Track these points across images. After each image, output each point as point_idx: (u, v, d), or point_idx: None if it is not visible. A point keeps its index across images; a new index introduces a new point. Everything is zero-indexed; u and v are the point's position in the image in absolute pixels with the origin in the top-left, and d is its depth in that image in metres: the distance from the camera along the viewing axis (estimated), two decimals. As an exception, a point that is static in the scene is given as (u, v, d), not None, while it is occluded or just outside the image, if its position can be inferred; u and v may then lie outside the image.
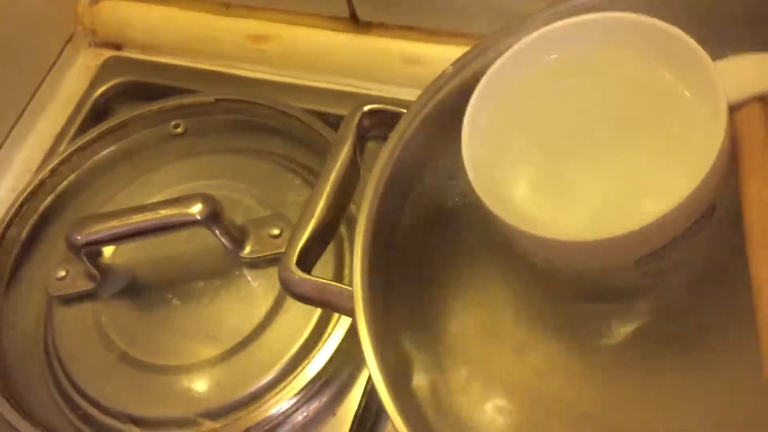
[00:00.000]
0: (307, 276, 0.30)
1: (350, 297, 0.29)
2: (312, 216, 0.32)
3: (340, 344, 0.42)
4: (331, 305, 0.30)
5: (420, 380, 0.30)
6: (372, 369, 0.27)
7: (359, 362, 0.44)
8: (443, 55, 0.53)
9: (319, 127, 0.50)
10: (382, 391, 0.27)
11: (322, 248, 0.32)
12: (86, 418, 0.43)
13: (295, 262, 0.31)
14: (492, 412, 0.32)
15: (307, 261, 0.31)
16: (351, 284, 0.30)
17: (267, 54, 0.57)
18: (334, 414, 0.43)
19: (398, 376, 0.28)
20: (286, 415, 0.42)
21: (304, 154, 0.51)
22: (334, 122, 0.50)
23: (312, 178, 0.49)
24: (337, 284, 0.30)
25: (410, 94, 0.49)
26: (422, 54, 0.54)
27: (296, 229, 0.32)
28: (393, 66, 0.54)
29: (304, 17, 0.56)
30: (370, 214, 0.30)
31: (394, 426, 0.27)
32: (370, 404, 0.43)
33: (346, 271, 0.45)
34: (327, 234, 0.32)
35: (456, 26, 0.52)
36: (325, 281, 0.30)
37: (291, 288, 0.31)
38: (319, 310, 0.44)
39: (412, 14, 0.53)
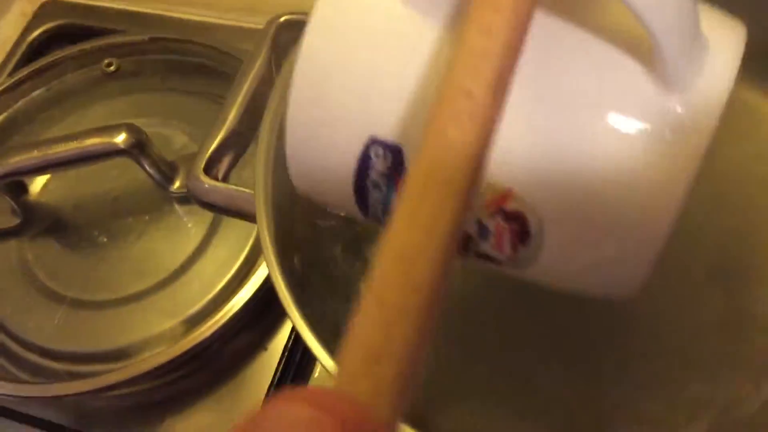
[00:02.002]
0: (213, 182, 0.30)
1: (252, 200, 0.28)
2: (222, 125, 0.31)
3: (266, 279, 0.42)
4: (238, 212, 0.30)
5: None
6: (275, 277, 0.27)
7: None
8: None
9: (255, 64, 0.49)
10: (282, 295, 0.26)
11: (235, 159, 0.32)
12: (7, 354, 0.42)
13: (202, 169, 0.30)
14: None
15: (218, 170, 0.31)
16: (259, 190, 0.29)
17: (209, -5, 0.56)
18: (265, 348, 0.42)
19: (303, 287, 0.27)
20: (217, 348, 0.41)
21: (240, 93, 0.50)
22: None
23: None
24: (242, 189, 0.29)
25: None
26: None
27: (206, 138, 0.31)
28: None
29: (245, -44, 0.54)
30: (274, 115, 0.29)
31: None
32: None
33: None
34: (239, 144, 0.31)
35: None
36: (231, 186, 0.29)
37: (199, 196, 0.30)
38: (249, 244, 0.43)
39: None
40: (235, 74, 0.49)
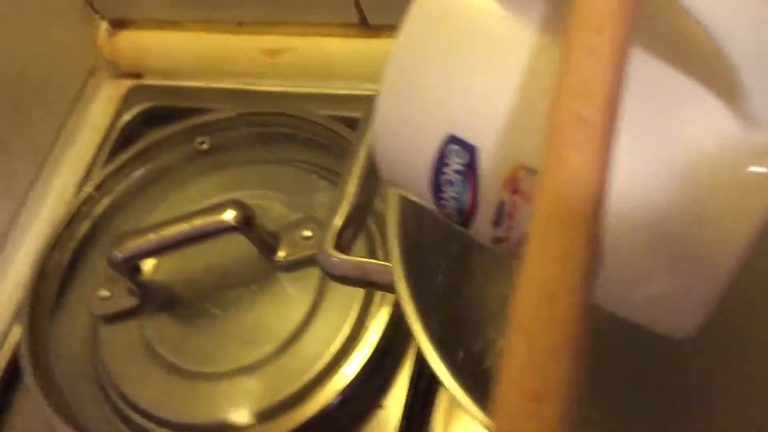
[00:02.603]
0: (345, 257, 0.31)
1: (388, 271, 0.29)
2: (344, 199, 0.33)
3: (381, 337, 0.43)
4: (371, 283, 0.31)
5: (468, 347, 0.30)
6: (420, 339, 0.28)
7: (401, 352, 0.44)
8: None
9: (341, 130, 0.51)
10: (433, 360, 0.27)
11: (357, 230, 0.33)
12: (132, 427, 0.44)
13: (332, 245, 0.31)
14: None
15: (343, 243, 0.32)
16: (388, 260, 0.30)
17: (283, 67, 0.58)
18: (381, 406, 0.43)
19: (445, 345, 0.29)
20: (332, 413, 0.42)
21: (328, 158, 0.52)
22: (355, 125, 0.51)
23: (338, 180, 0.50)
24: (376, 261, 0.30)
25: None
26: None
27: (330, 214, 0.32)
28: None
29: (316, 27, 0.57)
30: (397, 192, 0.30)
31: (453, 396, 0.27)
32: (418, 391, 0.43)
33: (379, 251, 0.45)
34: (360, 216, 0.33)
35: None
36: (364, 260, 0.31)
37: (331, 270, 0.31)
38: (357, 305, 0.44)
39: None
40: (319, 139, 0.52)
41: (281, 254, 0.46)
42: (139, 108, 0.60)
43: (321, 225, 0.46)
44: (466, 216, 0.24)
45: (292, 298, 0.46)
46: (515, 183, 0.22)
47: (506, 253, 0.24)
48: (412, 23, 0.23)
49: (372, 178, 0.34)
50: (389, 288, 0.30)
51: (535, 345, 0.16)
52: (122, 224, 0.53)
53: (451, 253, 0.34)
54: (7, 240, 0.55)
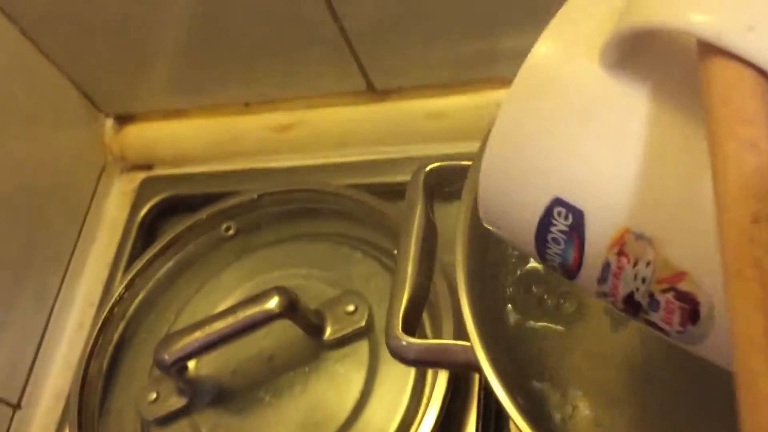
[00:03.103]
0: (414, 340, 0.31)
1: (465, 351, 0.29)
2: (405, 281, 0.32)
3: (442, 401, 0.42)
4: (445, 363, 0.31)
5: (556, 418, 0.30)
6: (513, 415, 0.28)
7: (463, 413, 0.44)
8: (465, 103, 0.55)
9: (365, 198, 0.51)
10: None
11: (420, 311, 0.33)
12: None
13: (400, 329, 0.31)
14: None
15: (409, 326, 0.32)
16: (459, 339, 0.30)
17: (295, 141, 0.58)
18: (450, 474, 0.43)
19: (533, 418, 0.28)
20: (406, 486, 0.42)
21: (356, 227, 0.52)
22: (377, 191, 0.51)
23: (370, 249, 0.50)
24: (452, 341, 0.30)
25: (445, 148, 0.51)
26: (444, 107, 0.55)
27: (393, 298, 0.32)
28: (418, 124, 0.56)
29: (324, 98, 0.57)
30: (464, 268, 0.31)
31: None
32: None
33: (428, 328, 0.45)
34: (422, 296, 0.33)
35: (472, 74, 0.54)
36: (438, 341, 0.31)
37: (402, 354, 0.31)
38: (413, 373, 0.44)
39: (425, 73, 0.55)
40: (342, 209, 0.52)
41: (328, 332, 0.46)
42: (155, 199, 0.59)
43: (362, 298, 0.47)
44: (569, 271, 0.24)
45: (345, 375, 0.46)
46: (622, 246, 0.22)
47: (611, 305, 0.24)
48: (520, 85, 0.23)
49: (427, 255, 0.34)
50: (468, 367, 0.29)
51: None
52: (157, 321, 0.52)
53: (513, 322, 0.34)
54: (41, 348, 0.54)
